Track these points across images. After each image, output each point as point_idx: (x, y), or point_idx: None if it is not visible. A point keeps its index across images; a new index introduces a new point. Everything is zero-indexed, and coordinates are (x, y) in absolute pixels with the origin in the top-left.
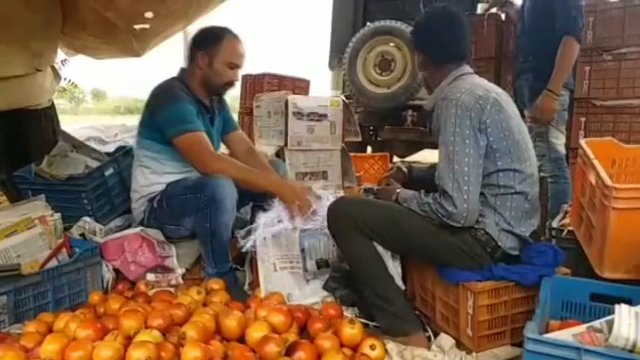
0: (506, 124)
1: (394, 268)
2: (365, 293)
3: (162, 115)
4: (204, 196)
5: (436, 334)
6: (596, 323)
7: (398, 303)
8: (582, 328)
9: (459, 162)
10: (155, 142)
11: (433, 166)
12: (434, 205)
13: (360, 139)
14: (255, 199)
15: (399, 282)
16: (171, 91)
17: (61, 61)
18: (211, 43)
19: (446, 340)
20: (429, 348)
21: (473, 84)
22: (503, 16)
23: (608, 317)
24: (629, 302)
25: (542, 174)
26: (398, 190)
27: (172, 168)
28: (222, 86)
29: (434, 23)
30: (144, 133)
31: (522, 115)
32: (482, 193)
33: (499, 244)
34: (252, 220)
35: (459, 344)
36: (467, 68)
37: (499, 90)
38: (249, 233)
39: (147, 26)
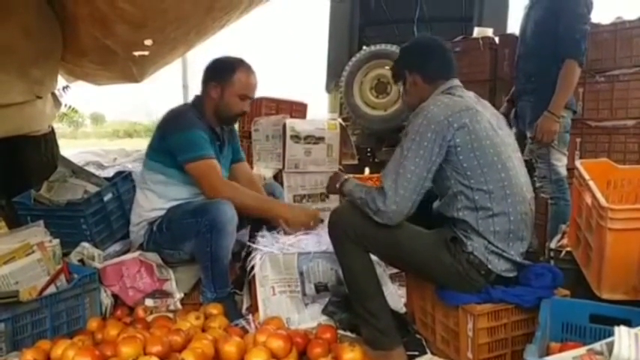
0: (477, 144)
1: (394, 290)
2: (353, 303)
3: (175, 140)
4: (205, 220)
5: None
6: (597, 345)
7: (384, 319)
8: (582, 350)
9: (406, 167)
10: (163, 165)
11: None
12: (367, 198)
13: (356, 161)
14: (253, 222)
15: (400, 305)
16: (184, 117)
17: (63, 88)
18: (224, 75)
19: None
20: None
21: (453, 100)
22: (497, 39)
23: (608, 339)
24: (629, 323)
25: (542, 195)
26: (345, 178)
27: (178, 193)
28: (233, 117)
29: (423, 46)
30: (152, 155)
31: (524, 136)
32: (464, 220)
33: (489, 266)
34: (250, 242)
35: None
36: (455, 82)
37: (484, 109)
38: (248, 256)
39: (146, 53)
